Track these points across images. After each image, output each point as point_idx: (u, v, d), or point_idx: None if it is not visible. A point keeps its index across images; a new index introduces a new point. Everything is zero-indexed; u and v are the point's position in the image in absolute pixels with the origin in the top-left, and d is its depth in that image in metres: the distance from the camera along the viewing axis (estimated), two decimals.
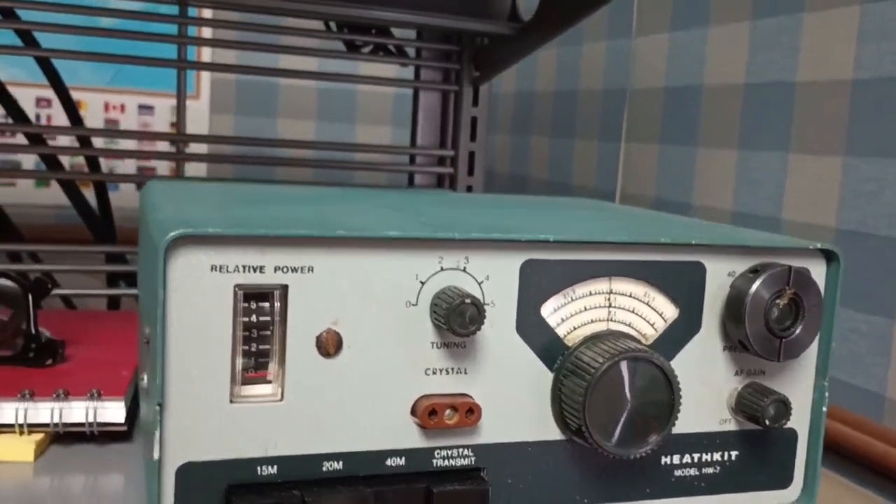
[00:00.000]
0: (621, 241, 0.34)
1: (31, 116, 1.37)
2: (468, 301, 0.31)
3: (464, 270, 0.32)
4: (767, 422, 0.35)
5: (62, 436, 0.43)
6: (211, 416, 0.30)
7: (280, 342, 0.31)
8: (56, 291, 0.70)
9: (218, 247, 0.29)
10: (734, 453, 0.37)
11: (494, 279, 0.33)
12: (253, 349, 0.30)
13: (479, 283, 0.33)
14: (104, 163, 1.31)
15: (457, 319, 0.31)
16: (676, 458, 0.36)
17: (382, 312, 0.31)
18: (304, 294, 0.30)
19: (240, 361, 0.30)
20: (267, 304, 0.30)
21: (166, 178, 0.46)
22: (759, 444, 0.38)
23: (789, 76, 0.73)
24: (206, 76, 1.46)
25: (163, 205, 0.36)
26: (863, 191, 0.65)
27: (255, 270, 0.30)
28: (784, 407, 0.36)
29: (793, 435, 0.38)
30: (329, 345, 0.31)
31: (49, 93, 0.80)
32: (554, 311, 0.34)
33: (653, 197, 0.92)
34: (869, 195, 0.65)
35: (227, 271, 0.29)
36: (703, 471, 0.37)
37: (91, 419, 0.42)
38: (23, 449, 0.41)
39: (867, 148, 0.65)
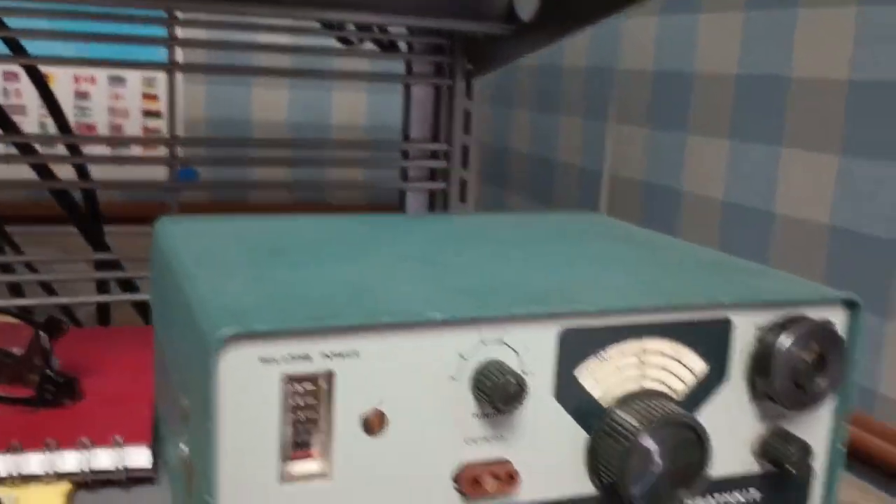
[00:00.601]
0: (654, 305, 0.35)
1: None
2: (511, 379, 0.31)
3: (503, 343, 0.33)
4: (791, 467, 0.37)
5: (89, 483, 0.43)
6: (261, 498, 0.30)
7: (326, 422, 0.31)
8: (54, 300, 0.69)
9: (268, 341, 0.29)
10: (757, 494, 0.39)
11: (533, 350, 0.33)
12: (300, 430, 0.31)
13: (518, 354, 0.33)
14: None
15: (501, 396, 0.31)
16: (702, 502, 0.38)
17: (425, 389, 0.32)
18: (350, 378, 0.31)
19: (289, 443, 0.31)
20: (313, 387, 0.31)
21: (177, 219, 0.46)
22: (781, 485, 0.39)
23: (784, 70, 0.73)
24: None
25: (190, 263, 0.36)
26: (857, 190, 0.66)
27: (302, 359, 0.30)
28: (806, 453, 0.37)
29: (811, 473, 0.39)
30: (374, 424, 0.31)
31: (14, 67, 0.77)
32: (589, 375, 0.34)
33: (642, 181, 0.93)
34: (863, 195, 0.66)
35: (276, 362, 0.30)
36: None
37: (119, 466, 0.42)
38: (52, 499, 0.41)
39: (864, 148, 0.66)
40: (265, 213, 0.50)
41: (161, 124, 1.56)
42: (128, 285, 0.76)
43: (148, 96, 1.58)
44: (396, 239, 0.44)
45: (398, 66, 0.84)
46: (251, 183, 1.44)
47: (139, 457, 0.43)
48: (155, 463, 0.43)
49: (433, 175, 0.83)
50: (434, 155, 0.82)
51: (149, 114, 1.57)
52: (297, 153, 1.37)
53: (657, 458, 0.34)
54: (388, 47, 0.80)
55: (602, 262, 0.42)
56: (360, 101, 1.65)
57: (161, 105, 1.55)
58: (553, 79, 1.11)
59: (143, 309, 0.81)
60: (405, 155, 0.83)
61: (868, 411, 0.66)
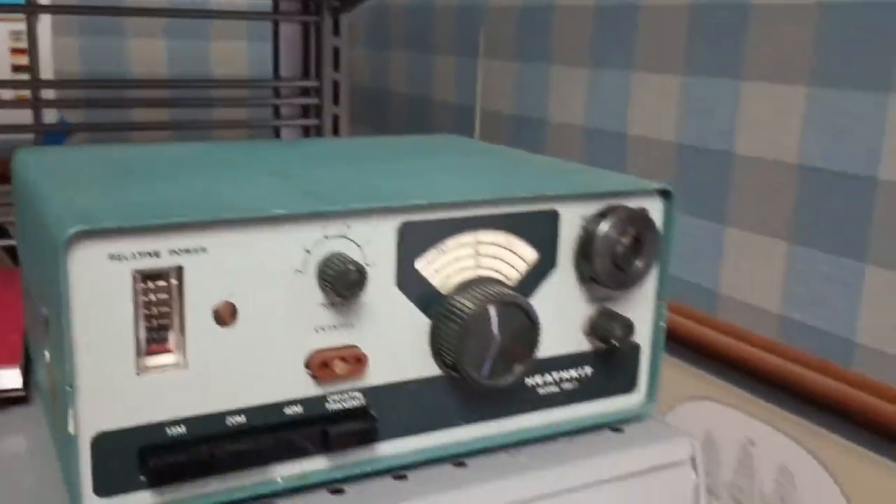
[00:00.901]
0: (485, 199, 0.38)
1: None
2: (352, 267, 0.34)
3: (346, 237, 0.35)
4: (616, 342, 0.41)
5: None
6: (119, 389, 0.33)
7: (179, 316, 0.33)
8: None
9: (115, 238, 0.31)
10: (589, 369, 0.43)
11: (374, 243, 0.36)
12: (154, 325, 0.33)
13: (360, 247, 0.36)
14: None
15: (343, 283, 0.34)
16: (539, 379, 0.42)
17: (273, 282, 0.34)
18: (199, 273, 0.33)
19: (143, 337, 0.33)
20: (164, 283, 0.33)
21: (34, 148, 0.47)
22: (610, 360, 0.43)
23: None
24: None
25: (45, 185, 0.38)
26: (697, 108, 0.72)
27: (151, 255, 0.32)
28: (628, 327, 0.41)
29: (637, 349, 0.44)
30: (225, 316, 0.34)
31: None
32: (428, 265, 0.38)
33: (511, 115, 0.96)
34: (703, 112, 0.71)
35: (125, 259, 0.32)
36: (563, 386, 0.42)
37: None
38: None
39: (704, 68, 0.71)
40: None
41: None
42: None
43: (16, 51, 1.53)
44: (257, 157, 0.46)
45: (267, 7, 0.85)
46: (122, 125, 1.41)
47: (10, 378, 0.44)
48: (26, 384, 0.45)
49: (306, 112, 0.85)
50: (306, 92, 0.84)
51: (18, 68, 1.52)
52: (171, 95, 1.35)
53: (492, 337, 0.38)
54: None
55: (445, 169, 0.45)
56: (240, 52, 1.63)
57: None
58: (425, 18, 1.13)
59: (13, 253, 0.81)
60: (277, 93, 0.84)
61: (712, 311, 0.72)
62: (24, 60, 1.51)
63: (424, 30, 1.15)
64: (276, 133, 0.85)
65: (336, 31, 0.82)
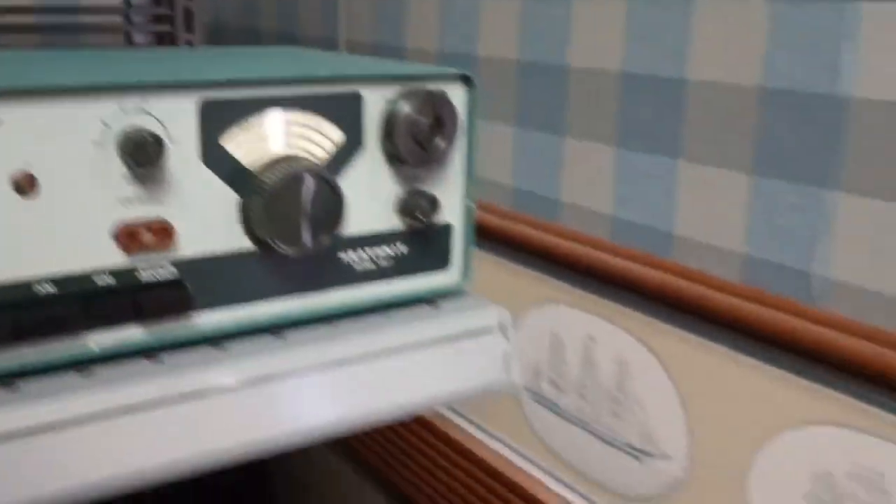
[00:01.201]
0: (284, 77, 0.40)
1: None
2: (148, 137, 0.36)
3: (146, 112, 0.37)
4: (421, 216, 0.44)
5: None
6: None
7: None
8: None
9: None
10: (404, 247, 0.46)
11: (176, 119, 0.38)
12: None
13: (162, 122, 0.38)
14: None
15: (140, 155, 0.36)
16: (354, 255, 0.44)
17: (70, 153, 0.36)
18: None
19: None
20: None
21: None
22: (423, 238, 0.46)
23: None
24: None
25: None
26: (644, 34, 0.75)
27: None
28: (434, 203, 0.44)
29: (448, 228, 0.47)
30: (25, 185, 0.35)
31: None
32: (234, 142, 0.40)
33: (372, 43, 0.98)
34: (649, 36, 0.74)
35: None
36: (379, 263, 0.45)
37: None
38: None
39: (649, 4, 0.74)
40: None
41: None
42: None
43: None
44: (78, 58, 0.47)
45: None
46: None
47: None
48: None
49: (160, 40, 0.85)
50: (158, 20, 0.84)
51: None
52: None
53: (298, 209, 0.40)
54: None
55: (254, 58, 0.47)
56: None
57: None
58: None
59: None
60: (129, 20, 0.84)
61: (553, 218, 0.76)
62: None
63: None
64: None
65: None
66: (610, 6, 0.68)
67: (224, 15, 1.33)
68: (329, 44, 1.07)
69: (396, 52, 0.93)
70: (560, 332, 0.77)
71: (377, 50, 0.97)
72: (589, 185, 0.72)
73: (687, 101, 0.62)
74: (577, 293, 0.74)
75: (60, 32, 0.78)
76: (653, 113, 0.65)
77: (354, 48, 1.01)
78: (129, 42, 0.84)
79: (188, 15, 0.84)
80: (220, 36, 1.30)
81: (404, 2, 0.92)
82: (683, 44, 0.62)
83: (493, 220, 0.80)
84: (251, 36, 1.27)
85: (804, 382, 0.56)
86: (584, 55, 0.71)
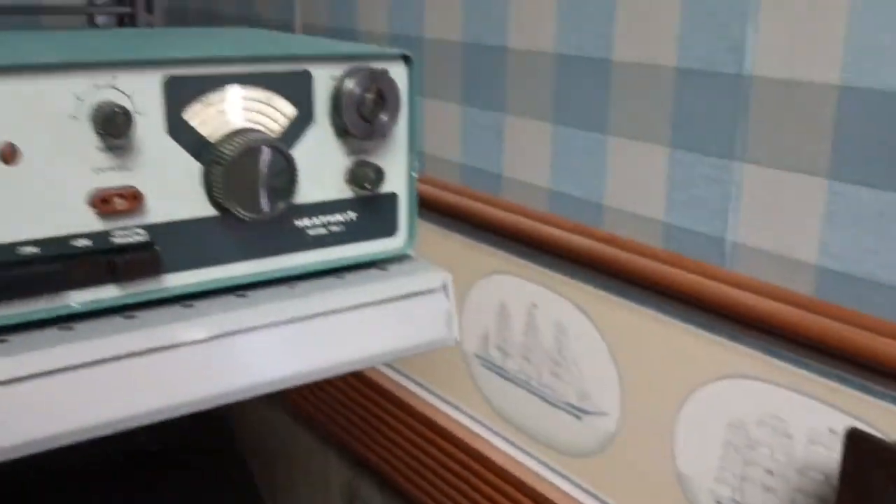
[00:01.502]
0: (244, 55, 0.44)
1: None
2: (118, 110, 0.40)
3: (115, 88, 0.41)
4: (368, 185, 0.49)
5: None
6: None
7: None
8: None
9: None
10: (354, 214, 0.50)
11: (143, 94, 0.42)
12: None
13: (130, 97, 0.42)
14: None
15: (111, 127, 0.40)
16: (308, 222, 0.49)
17: (49, 126, 0.40)
18: None
19: None
20: None
21: None
22: (372, 206, 0.51)
23: None
24: None
25: None
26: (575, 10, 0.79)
27: None
28: (379, 173, 0.49)
29: (394, 197, 0.52)
30: (8, 155, 0.39)
31: None
32: (195, 116, 0.44)
33: (326, 26, 1.02)
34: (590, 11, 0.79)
35: None
36: (331, 229, 0.50)
37: None
38: None
39: None
40: None
41: None
42: None
43: None
44: (50, 37, 0.51)
45: None
46: None
47: None
48: None
49: (121, 22, 0.88)
50: (120, 2, 0.87)
51: None
52: None
53: (254, 177, 0.44)
54: None
55: (213, 37, 0.51)
56: None
57: None
58: None
59: None
60: (91, 2, 0.87)
61: (495, 192, 0.81)
62: None
63: None
64: None
65: None
66: None
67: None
68: (285, 27, 1.10)
69: (349, 35, 0.97)
70: (506, 300, 0.82)
71: (331, 33, 1.01)
72: (528, 160, 0.77)
73: (613, 80, 0.67)
74: (521, 263, 0.79)
75: (23, 13, 0.81)
76: (584, 92, 0.70)
77: (309, 31, 1.05)
78: (92, 24, 0.87)
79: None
80: (179, 19, 1.33)
81: None
82: (608, 26, 0.67)
83: (442, 195, 0.84)
84: (210, 19, 1.30)
85: (718, 339, 0.62)
86: (521, 37, 0.76)
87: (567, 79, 0.72)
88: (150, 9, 0.87)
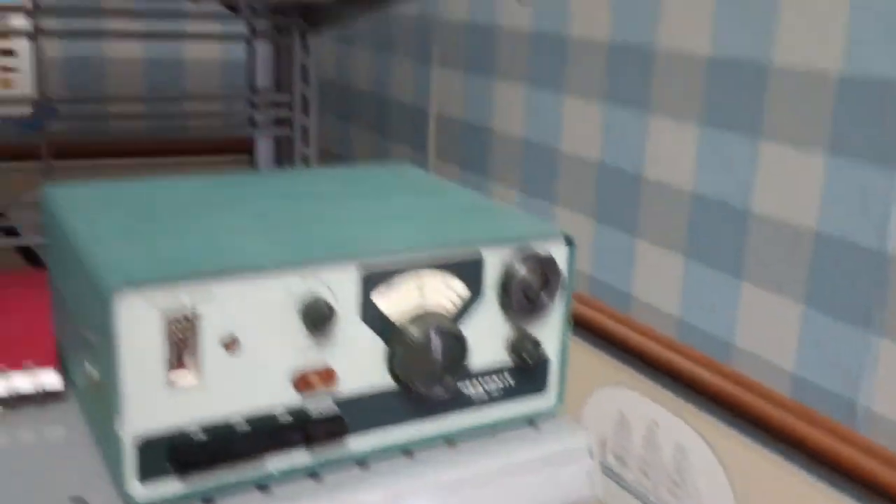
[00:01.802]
0: (429, 244, 0.50)
1: None
2: (325, 308, 0.45)
3: (320, 281, 0.47)
4: (528, 357, 0.53)
5: (10, 402, 0.55)
6: (154, 401, 0.44)
7: (196, 347, 0.44)
8: None
9: (149, 290, 0.42)
10: (510, 378, 0.55)
11: (342, 284, 0.47)
12: (178, 353, 0.44)
13: (331, 289, 0.47)
14: None
15: (318, 319, 0.46)
16: (470, 386, 0.53)
17: (265, 318, 0.46)
18: (210, 313, 0.44)
19: (170, 362, 0.44)
20: (186, 321, 0.44)
21: (65, 186, 0.57)
22: (526, 371, 0.55)
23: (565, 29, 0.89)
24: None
25: (81, 231, 0.48)
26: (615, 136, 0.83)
27: (175, 302, 0.43)
28: (537, 346, 0.53)
29: (548, 363, 0.56)
30: (231, 345, 0.45)
31: None
32: (384, 300, 0.49)
33: (461, 119, 1.07)
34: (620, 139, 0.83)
35: (158, 305, 0.43)
36: (490, 392, 0.54)
37: (38, 389, 0.54)
38: None
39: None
40: (125, 157, 0.60)
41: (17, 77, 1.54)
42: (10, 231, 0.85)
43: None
44: (240, 197, 0.57)
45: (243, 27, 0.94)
46: (108, 131, 1.48)
47: (50, 378, 0.55)
48: (64, 382, 0.55)
49: (279, 122, 0.95)
50: (278, 105, 0.94)
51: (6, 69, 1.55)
52: (154, 108, 1.42)
53: (433, 359, 0.49)
54: (233, 10, 0.90)
55: (395, 215, 0.56)
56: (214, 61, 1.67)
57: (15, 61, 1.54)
58: (386, 24, 1.23)
59: (26, 253, 0.90)
60: (252, 105, 0.94)
61: (626, 311, 0.85)
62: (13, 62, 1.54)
63: (385, 35, 1.25)
64: (252, 139, 0.95)
65: (306, 50, 0.92)
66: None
67: (325, 78, 1.42)
68: (420, 113, 1.16)
69: (485, 134, 1.02)
70: (627, 412, 0.85)
71: (465, 129, 1.06)
72: (658, 286, 0.80)
73: (750, 228, 0.70)
74: (646, 382, 0.83)
75: (180, 119, 0.88)
76: (719, 235, 0.73)
77: (443, 122, 1.10)
78: (252, 124, 0.94)
79: (304, 101, 0.93)
80: (326, 99, 1.40)
81: (494, 90, 1.00)
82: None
83: (578, 308, 0.88)
84: (344, 92, 1.37)
85: (843, 498, 0.64)
86: (657, 170, 0.79)
87: (703, 217, 0.75)
88: (306, 110, 0.93)
